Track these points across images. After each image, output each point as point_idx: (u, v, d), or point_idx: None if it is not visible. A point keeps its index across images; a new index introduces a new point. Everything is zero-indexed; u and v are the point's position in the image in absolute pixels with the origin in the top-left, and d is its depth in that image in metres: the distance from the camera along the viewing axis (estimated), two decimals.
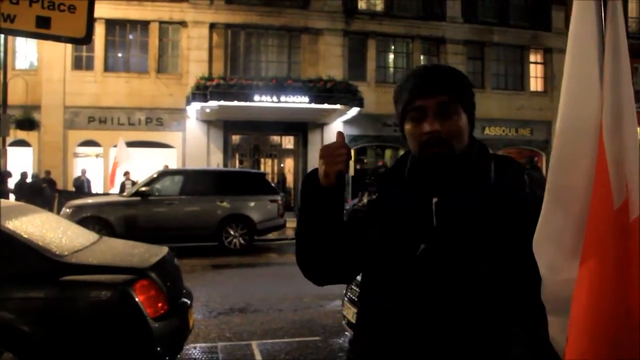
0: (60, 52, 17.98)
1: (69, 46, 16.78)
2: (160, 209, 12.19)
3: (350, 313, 4.50)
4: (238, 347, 5.56)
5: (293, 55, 20.47)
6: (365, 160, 21.36)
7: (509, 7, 22.20)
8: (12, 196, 14.45)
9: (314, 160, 19.32)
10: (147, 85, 19.11)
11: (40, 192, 14.97)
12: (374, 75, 20.82)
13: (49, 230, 4.41)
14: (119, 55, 19.45)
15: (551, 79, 22.12)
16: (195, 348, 5.48)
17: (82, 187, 17.00)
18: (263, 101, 16.79)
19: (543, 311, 1.32)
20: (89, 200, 13.05)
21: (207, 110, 17.33)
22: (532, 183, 1.49)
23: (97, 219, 11.67)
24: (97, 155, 19.25)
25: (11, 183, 15.11)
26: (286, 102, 16.95)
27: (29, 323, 3.60)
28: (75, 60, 18.82)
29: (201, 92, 16.68)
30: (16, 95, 16.94)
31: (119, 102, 18.74)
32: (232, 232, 12.44)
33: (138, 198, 12.13)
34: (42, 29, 2.44)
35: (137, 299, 3.79)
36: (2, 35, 11.78)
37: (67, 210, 11.81)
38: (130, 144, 17.16)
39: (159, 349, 3.88)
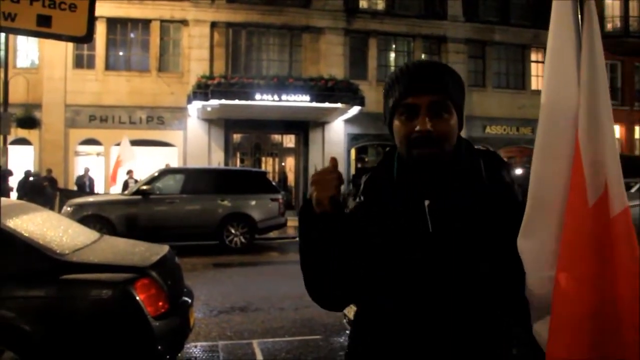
0: (61, 51, 17.99)
1: (70, 45, 16.76)
2: (161, 207, 12.20)
3: (351, 312, 4.49)
4: (239, 346, 5.56)
5: (294, 54, 20.47)
6: (366, 159, 21.38)
7: (510, 6, 22.21)
8: (13, 195, 14.47)
9: (315, 159, 19.47)
10: (148, 84, 19.11)
11: (42, 191, 14.99)
12: (375, 74, 20.80)
13: (49, 228, 4.41)
14: (120, 53, 19.46)
15: None
16: (196, 347, 5.48)
17: (83, 185, 17.02)
18: (264, 100, 16.79)
19: None
20: (90, 199, 13.07)
21: (208, 109, 17.33)
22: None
23: (98, 218, 11.68)
24: (98, 154, 19.28)
25: (13, 181, 15.12)
26: (287, 100, 16.94)
27: (29, 322, 3.60)
28: (77, 59, 18.84)
29: (202, 90, 16.68)
30: (17, 93, 16.99)
31: (120, 100, 18.76)
32: (233, 231, 12.45)
33: (139, 197, 12.14)
34: (42, 28, 2.43)
35: (137, 298, 3.79)
36: (3, 34, 11.80)
37: (68, 208, 11.82)
38: (132, 143, 17.15)
39: (159, 347, 3.88)
